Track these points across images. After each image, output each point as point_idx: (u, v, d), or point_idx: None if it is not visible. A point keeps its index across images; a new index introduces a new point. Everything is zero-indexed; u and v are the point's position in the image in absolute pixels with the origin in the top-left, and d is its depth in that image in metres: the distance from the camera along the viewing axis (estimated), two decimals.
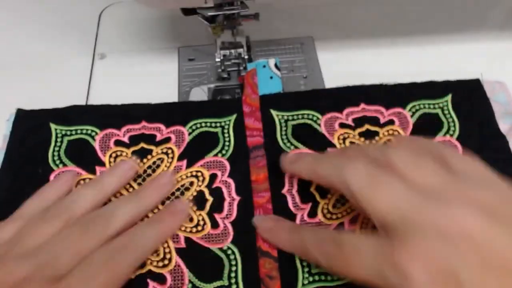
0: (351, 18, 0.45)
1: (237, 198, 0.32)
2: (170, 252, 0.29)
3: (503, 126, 0.35)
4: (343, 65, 0.41)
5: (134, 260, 0.27)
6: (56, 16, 0.46)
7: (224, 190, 0.32)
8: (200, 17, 0.35)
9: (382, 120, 0.35)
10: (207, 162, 0.33)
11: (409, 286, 0.22)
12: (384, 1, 0.46)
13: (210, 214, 0.31)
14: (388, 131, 0.35)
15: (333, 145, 0.34)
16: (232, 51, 0.39)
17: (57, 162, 0.33)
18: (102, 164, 0.33)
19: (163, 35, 0.45)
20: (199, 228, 0.30)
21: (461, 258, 0.21)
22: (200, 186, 0.32)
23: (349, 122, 0.35)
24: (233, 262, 0.29)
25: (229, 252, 0.30)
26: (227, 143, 0.34)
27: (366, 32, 0.44)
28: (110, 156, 0.34)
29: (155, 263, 0.29)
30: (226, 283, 0.29)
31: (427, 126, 0.35)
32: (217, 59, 0.39)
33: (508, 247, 0.21)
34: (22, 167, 0.33)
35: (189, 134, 0.34)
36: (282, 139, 0.34)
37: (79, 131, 0.35)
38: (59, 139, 0.34)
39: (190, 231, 0.30)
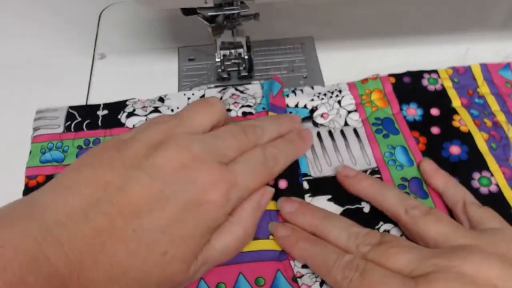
0: (351, 18, 0.45)
1: None
2: None
3: None
4: (343, 65, 0.41)
5: (279, 170, 0.31)
6: (56, 16, 0.46)
7: None
8: (200, 17, 0.35)
9: None
10: None
11: None
12: (384, 1, 0.46)
13: None
14: None
15: None
16: (232, 51, 0.39)
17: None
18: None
19: (163, 35, 0.45)
20: None
21: None
22: None
23: None
24: None
25: None
26: None
27: (366, 32, 0.44)
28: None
29: None
30: None
31: None
32: (217, 59, 0.39)
33: None
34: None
35: None
36: None
37: None
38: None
39: None
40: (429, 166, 0.32)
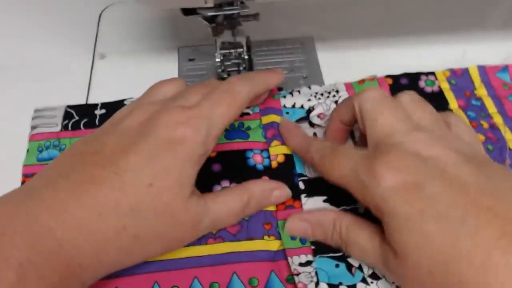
0: (351, 18, 0.45)
1: None
2: None
3: None
4: (343, 65, 0.41)
5: (246, 95, 0.31)
6: (56, 16, 0.46)
7: None
8: (200, 17, 0.35)
9: None
10: None
11: (376, 186, 0.25)
12: (384, 1, 0.46)
13: None
14: None
15: None
16: (232, 51, 0.39)
17: None
18: None
19: (163, 35, 0.45)
20: None
21: (430, 176, 0.24)
22: None
23: None
24: None
25: None
26: None
27: (366, 32, 0.44)
28: None
29: None
30: None
31: None
32: (217, 59, 0.39)
33: (474, 179, 0.24)
34: None
35: None
36: None
37: None
38: None
39: None
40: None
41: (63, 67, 0.42)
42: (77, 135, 0.36)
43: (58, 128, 0.36)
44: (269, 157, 0.34)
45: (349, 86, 0.38)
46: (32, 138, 0.36)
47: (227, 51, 0.39)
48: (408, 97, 0.29)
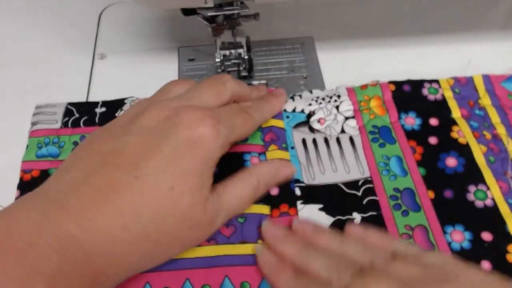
0: (351, 18, 0.45)
1: None
2: None
3: None
4: (343, 65, 0.41)
5: (257, 121, 0.33)
6: (56, 16, 0.46)
7: None
8: (200, 17, 0.35)
9: None
10: None
11: None
12: (384, 1, 0.46)
13: None
14: None
15: None
16: (232, 51, 0.39)
17: None
18: None
19: (163, 35, 0.45)
20: None
21: None
22: None
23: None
24: None
25: None
26: None
27: (366, 32, 0.44)
28: None
29: None
30: None
31: None
32: (217, 59, 0.39)
33: None
34: None
35: None
36: None
37: None
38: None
39: None
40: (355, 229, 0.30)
41: (63, 67, 0.42)
42: (77, 132, 0.36)
43: (58, 125, 0.36)
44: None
45: (351, 91, 0.37)
46: (32, 134, 0.36)
47: (227, 51, 0.39)
48: (382, 260, 0.26)
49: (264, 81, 0.40)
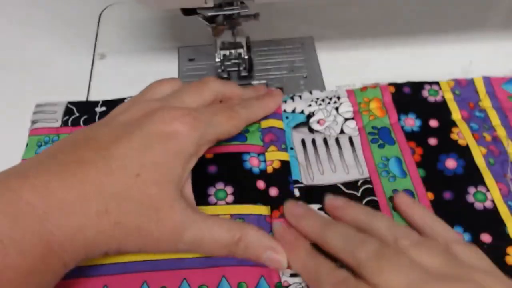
0: (351, 18, 0.45)
1: None
2: None
3: None
4: (343, 65, 0.41)
5: (245, 118, 0.33)
6: (56, 16, 0.46)
7: None
8: (200, 17, 0.35)
9: None
10: None
11: None
12: (384, 1, 0.46)
13: None
14: None
15: None
16: (232, 51, 0.39)
17: None
18: None
19: (163, 35, 0.45)
20: None
21: None
22: None
23: None
24: None
25: None
26: None
27: (366, 32, 0.43)
28: None
29: None
30: None
31: None
32: (217, 59, 0.39)
33: None
34: None
35: None
36: None
37: None
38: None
39: None
40: (405, 199, 0.31)
41: (63, 67, 0.42)
42: None
43: (58, 123, 0.37)
44: (265, 161, 0.34)
45: (350, 93, 0.37)
46: (31, 132, 0.36)
47: (227, 51, 0.39)
48: (407, 241, 0.26)
49: (264, 81, 0.40)
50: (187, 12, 0.35)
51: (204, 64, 0.42)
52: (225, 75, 0.40)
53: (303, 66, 0.41)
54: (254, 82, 0.40)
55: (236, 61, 0.40)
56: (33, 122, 0.37)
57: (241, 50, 0.39)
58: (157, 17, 0.46)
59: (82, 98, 0.39)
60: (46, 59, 0.43)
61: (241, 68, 0.40)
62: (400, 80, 0.38)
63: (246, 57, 0.40)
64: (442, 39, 0.42)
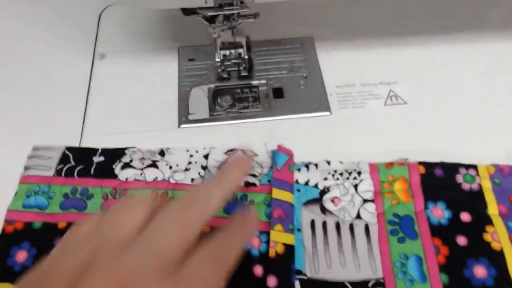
0: (351, 18, 0.45)
1: None
2: None
3: None
4: (343, 65, 0.41)
5: (201, 215, 0.25)
6: (56, 16, 0.46)
7: None
8: (200, 17, 0.35)
9: None
10: None
11: None
12: (384, 1, 0.46)
13: None
14: None
15: None
16: (232, 51, 0.39)
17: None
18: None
19: (163, 35, 0.45)
20: None
21: None
22: None
23: None
24: None
25: None
26: None
27: (366, 32, 0.44)
28: None
29: None
30: None
31: None
32: (217, 59, 0.39)
33: None
34: None
35: None
36: None
37: None
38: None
39: None
40: None
41: (63, 67, 0.42)
42: (69, 183, 0.34)
43: (51, 172, 0.34)
44: (267, 242, 0.30)
45: (374, 168, 0.33)
46: (23, 180, 0.34)
47: (227, 51, 0.39)
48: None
49: (264, 81, 0.40)
50: (187, 12, 0.35)
51: (204, 64, 0.42)
52: (225, 75, 0.40)
53: (303, 66, 0.41)
54: (254, 82, 0.40)
55: (236, 61, 0.40)
56: (26, 168, 0.34)
57: (241, 50, 0.39)
58: (157, 17, 0.46)
59: (82, 97, 0.39)
60: (46, 59, 0.43)
61: (241, 68, 0.40)
62: (399, 79, 0.38)
63: (246, 57, 0.40)
64: (443, 40, 0.42)
